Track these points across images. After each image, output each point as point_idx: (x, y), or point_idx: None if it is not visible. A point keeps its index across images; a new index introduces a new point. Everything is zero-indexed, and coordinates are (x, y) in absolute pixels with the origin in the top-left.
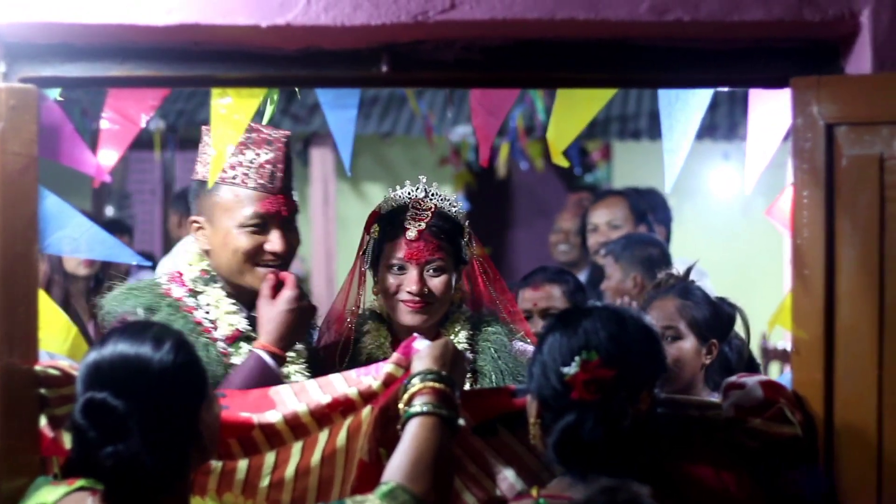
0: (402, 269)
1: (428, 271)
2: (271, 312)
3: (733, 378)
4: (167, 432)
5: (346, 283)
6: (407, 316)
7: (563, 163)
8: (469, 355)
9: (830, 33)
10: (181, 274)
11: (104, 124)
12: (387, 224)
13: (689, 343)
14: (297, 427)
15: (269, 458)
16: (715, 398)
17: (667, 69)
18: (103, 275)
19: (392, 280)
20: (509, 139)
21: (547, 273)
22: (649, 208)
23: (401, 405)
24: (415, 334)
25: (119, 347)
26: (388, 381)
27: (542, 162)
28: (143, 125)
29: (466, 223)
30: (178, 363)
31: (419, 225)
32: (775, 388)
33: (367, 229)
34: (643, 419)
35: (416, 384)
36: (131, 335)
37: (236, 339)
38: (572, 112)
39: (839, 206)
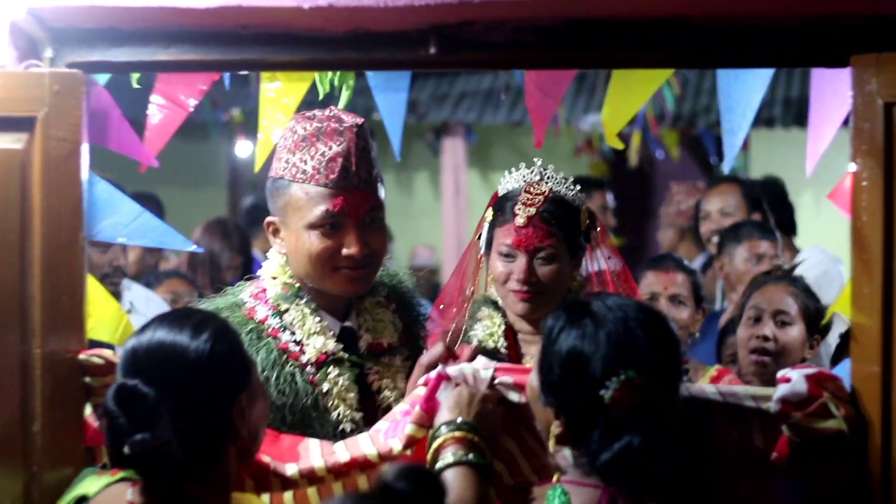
0: (510, 256)
1: (538, 259)
2: None
3: (782, 371)
4: (200, 422)
5: (458, 268)
6: (516, 305)
7: (618, 145)
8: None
9: (889, 9)
10: (264, 290)
11: (152, 109)
12: (499, 209)
13: (798, 330)
14: (312, 479)
15: (287, 495)
16: None
17: (723, 49)
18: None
19: (502, 267)
20: (639, 127)
21: (676, 260)
22: (766, 197)
23: (428, 462)
24: (439, 372)
25: (157, 334)
26: (410, 442)
27: (679, 150)
28: (192, 110)
29: (584, 209)
30: (217, 353)
31: (529, 211)
32: (821, 380)
33: (485, 214)
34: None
35: (440, 437)
36: (172, 322)
37: (324, 362)
38: (628, 93)
39: None
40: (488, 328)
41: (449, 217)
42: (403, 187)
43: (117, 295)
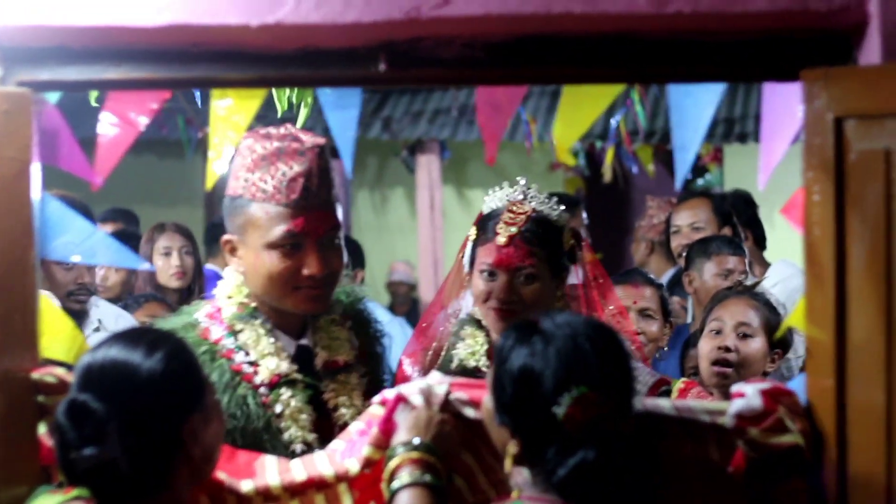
0: (492, 274)
1: (519, 278)
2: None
3: (736, 386)
4: (149, 441)
5: (443, 286)
6: (497, 323)
7: (570, 160)
8: None
9: (839, 23)
10: (220, 310)
11: (103, 128)
12: (482, 227)
13: (759, 343)
14: (267, 497)
15: None
16: None
17: (673, 63)
18: (195, 286)
19: (483, 286)
20: (613, 143)
21: (643, 275)
22: (735, 211)
23: (384, 482)
24: (397, 393)
25: (111, 352)
26: (367, 464)
27: (653, 166)
28: (142, 129)
29: (568, 228)
30: (169, 372)
31: (511, 230)
32: (776, 395)
33: (469, 232)
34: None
35: (396, 457)
36: (126, 340)
37: (277, 383)
38: (579, 109)
39: (849, 202)
40: (471, 347)
41: (424, 233)
42: (379, 204)
43: (84, 313)
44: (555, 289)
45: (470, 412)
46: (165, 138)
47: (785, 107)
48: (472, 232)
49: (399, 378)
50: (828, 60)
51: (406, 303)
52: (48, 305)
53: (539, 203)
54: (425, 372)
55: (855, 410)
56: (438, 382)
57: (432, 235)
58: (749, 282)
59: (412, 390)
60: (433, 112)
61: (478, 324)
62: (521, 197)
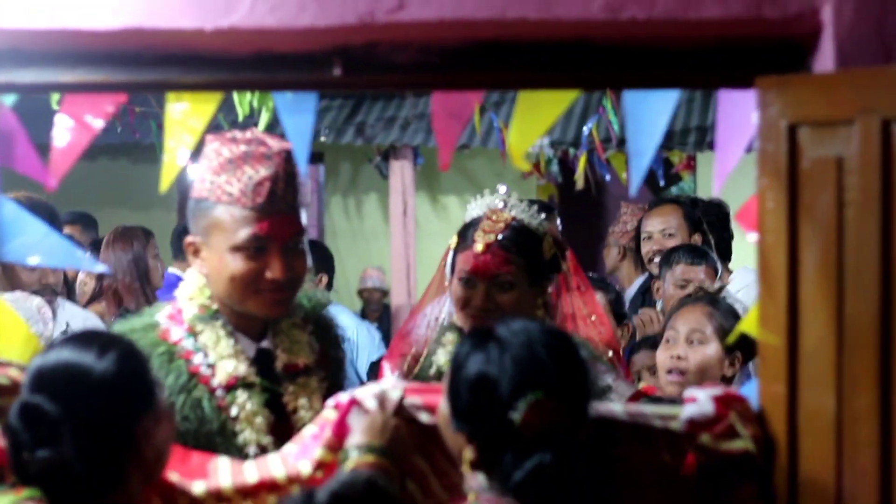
0: (470, 282)
1: (496, 286)
2: None
3: (689, 391)
4: (102, 442)
5: (426, 293)
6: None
7: (524, 166)
8: None
9: (793, 31)
10: (181, 311)
11: (58, 131)
12: (462, 235)
13: (712, 348)
14: (219, 499)
15: None
16: None
17: (628, 70)
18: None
19: (461, 293)
20: (585, 150)
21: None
22: (706, 217)
23: None
24: (350, 397)
25: (63, 354)
26: (319, 466)
27: (627, 174)
28: (98, 132)
29: (549, 236)
30: (120, 373)
31: (488, 237)
32: (728, 401)
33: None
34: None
35: (349, 461)
36: (78, 342)
37: (233, 386)
38: (534, 115)
39: (801, 210)
40: (450, 353)
41: (397, 239)
42: (352, 209)
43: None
44: (535, 297)
45: (424, 417)
46: (139, 142)
47: (740, 114)
48: (454, 240)
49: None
50: (782, 68)
51: (378, 309)
52: (3, 309)
53: (519, 211)
54: (405, 376)
55: (806, 416)
56: (393, 387)
57: (405, 241)
58: (715, 287)
59: (366, 394)
60: (406, 118)
61: (459, 331)
62: (501, 205)
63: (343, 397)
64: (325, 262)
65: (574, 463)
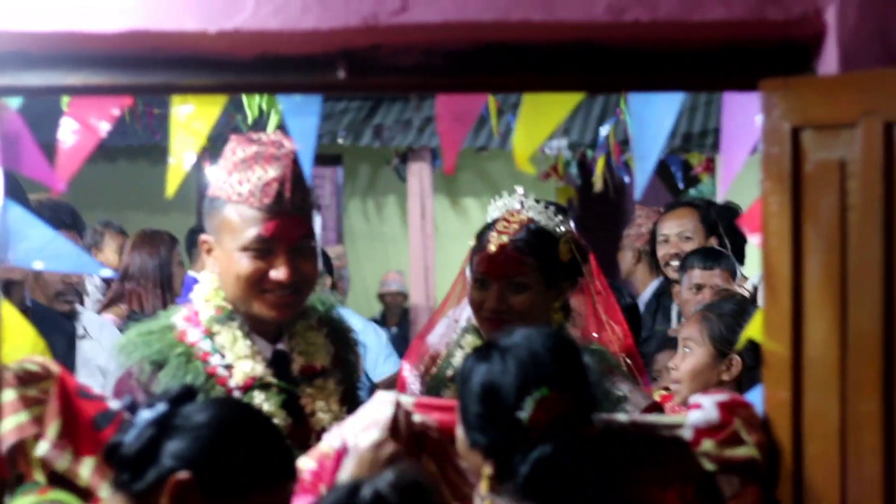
0: (484, 283)
1: (510, 288)
2: None
3: (693, 397)
4: None
5: (448, 295)
6: (488, 333)
7: (529, 169)
8: None
9: (797, 33)
10: (197, 313)
11: (63, 134)
12: (479, 237)
13: (698, 356)
14: None
15: None
16: None
17: (631, 72)
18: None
19: (476, 295)
20: (603, 152)
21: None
22: (721, 220)
23: None
24: (337, 449)
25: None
26: None
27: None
28: (104, 134)
29: (567, 238)
30: None
31: (502, 238)
32: (732, 407)
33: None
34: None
35: None
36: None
37: (250, 387)
38: (539, 118)
39: (805, 214)
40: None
41: (416, 242)
42: (371, 212)
43: (73, 314)
44: (551, 300)
45: (433, 434)
46: (158, 144)
47: (744, 117)
48: (473, 241)
49: (399, 382)
50: (786, 70)
51: (399, 313)
52: (10, 312)
53: (536, 213)
54: (423, 377)
55: (811, 422)
56: (389, 402)
57: (423, 244)
58: (748, 287)
59: (353, 434)
60: (424, 120)
61: (478, 333)
62: (518, 206)
63: (335, 440)
64: (323, 264)
65: (576, 455)
